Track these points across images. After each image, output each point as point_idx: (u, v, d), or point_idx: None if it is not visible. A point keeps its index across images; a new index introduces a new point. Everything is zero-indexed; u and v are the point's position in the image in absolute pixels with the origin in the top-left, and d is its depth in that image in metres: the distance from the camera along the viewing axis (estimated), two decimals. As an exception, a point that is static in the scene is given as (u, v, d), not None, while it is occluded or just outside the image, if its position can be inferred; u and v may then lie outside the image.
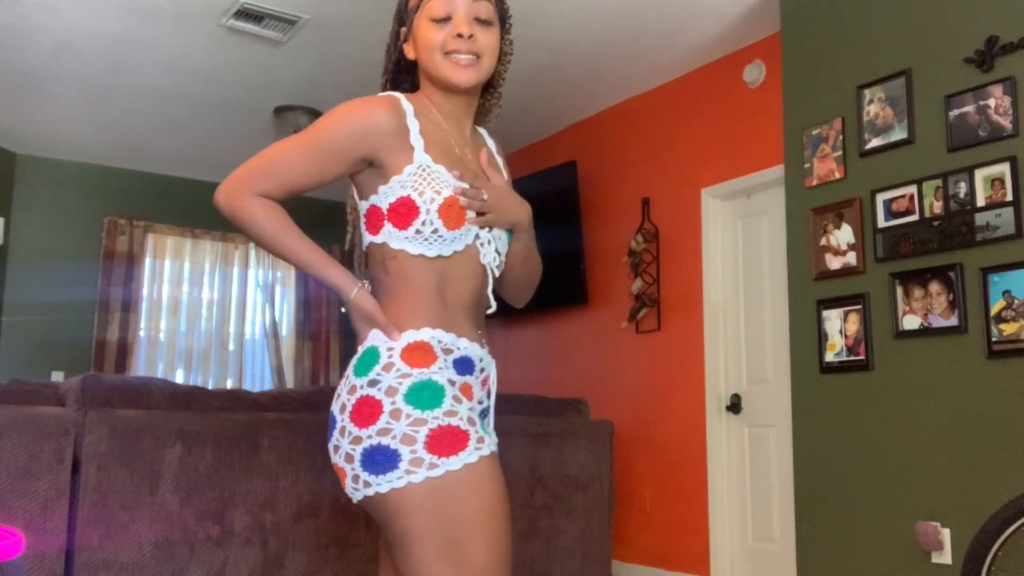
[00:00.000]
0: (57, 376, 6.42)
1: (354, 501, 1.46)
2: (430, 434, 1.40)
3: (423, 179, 1.50)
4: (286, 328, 7.39)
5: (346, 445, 1.43)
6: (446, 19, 1.56)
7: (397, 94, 1.58)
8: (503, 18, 1.65)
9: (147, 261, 6.86)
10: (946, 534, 3.14)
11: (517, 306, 1.82)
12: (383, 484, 1.39)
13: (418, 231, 1.49)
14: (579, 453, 3.80)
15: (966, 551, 2.50)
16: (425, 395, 1.43)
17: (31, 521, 2.46)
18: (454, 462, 1.40)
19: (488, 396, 1.62)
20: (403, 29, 1.64)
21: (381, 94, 1.59)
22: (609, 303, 5.54)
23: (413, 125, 1.55)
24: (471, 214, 1.53)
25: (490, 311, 1.62)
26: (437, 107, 1.61)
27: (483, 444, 1.44)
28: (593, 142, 5.85)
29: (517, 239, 1.66)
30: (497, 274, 1.61)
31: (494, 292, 1.66)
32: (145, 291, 6.82)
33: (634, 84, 5.35)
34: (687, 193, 5.06)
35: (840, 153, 3.64)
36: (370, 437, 1.40)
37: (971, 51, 3.24)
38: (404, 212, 1.49)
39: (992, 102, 3.14)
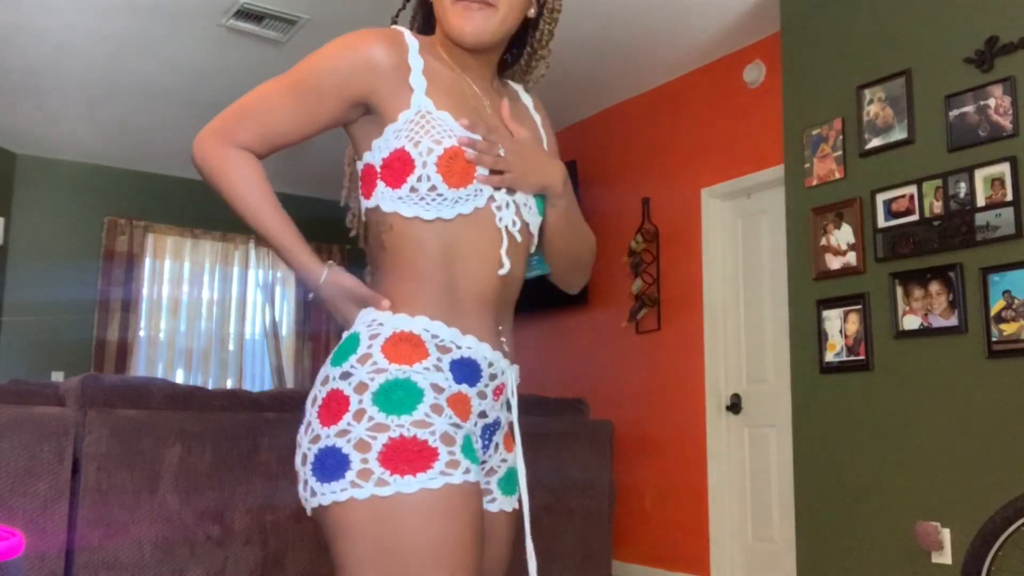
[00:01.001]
0: (57, 376, 6.42)
1: (308, 513, 1.21)
2: (388, 443, 1.14)
3: (421, 127, 1.24)
4: (286, 328, 7.39)
5: (305, 444, 1.20)
6: None
7: (401, 28, 1.33)
8: None
9: (147, 261, 6.86)
10: (946, 534, 3.14)
11: (570, 291, 1.53)
12: (326, 495, 1.15)
13: (412, 188, 1.23)
14: (579, 453, 3.80)
15: (966, 551, 2.50)
16: (396, 396, 1.18)
17: (31, 521, 2.46)
18: (409, 483, 1.13)
19: (502, 409, 1.33)
20: None
21: (382, 28, 1.33)
22: (609, 303, 5.54)
23: (416, 63, 1.28)
24: (482, 171, 1.25)
25: (502, 272, 1.28)
26: (449, 52, 1.34)
27: (455, 470, 1.16)
28: (593, 142, 5.85)
29: (551, 206, 1.36)
30: (519, 239, 1.31)
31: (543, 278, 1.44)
32: (145, 291, 6.82)
33: (634, 84, 5.35)
34: (687, 193, 5.06)
35: (840, 153, 3.64)
36: (327, 438, 1.17)
37: (971, 51, 3.24)
38: (398, 167, 1.24)
39: (992, 102, 3.14)
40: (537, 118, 1.47)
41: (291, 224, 1.33)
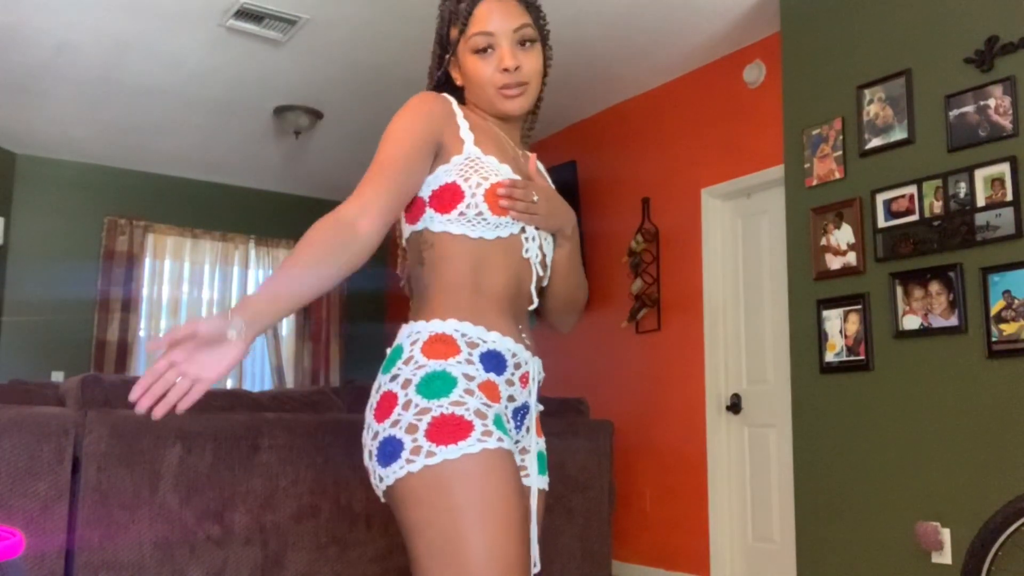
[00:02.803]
0: (57, 376, 6.42)
1: (382, 500, 1.44)
2: (432, 422, 1.37)
3: (471, 167, 1.50)
4: (286, 328, 7.39)
5: (369, 442, 1.43)
6: (490, 48, 1.55)
7: (445, 94, 1.59)
8: (544, 33, 1.63)
9: (147, 261, 6.86)
10: (946, 534, 3.14)
11: (563, 330, 1.80)
12: (390, 476, 1.37)
13: (462, 213, 1.48)
14: (579, 453, 3.80)
15: (966, 551, 2.50)
16: (436, 385, 1.41)
17: (31, 521, 2.46)
18: (452, 451, 1.35)
19: (530, 396, 1.57)
20: (447, 56, 1.63)
21: (430, 92, 1.59)
22: (609, 303, 5.54)
23: (463, 121, 1.56)
24: (519, 208, 1.52)
25: (532, 307, 1.59)
26: (486, 115, 1.63)
27: (489, 437, 1.38)
28: (593, 142, 5.85)
29: (559, 246, 1.63)
30: (541, 272, 1.59)
31: (538, 314, 1.68)
32: (145, 291, 6.82)
33: (634, 84, 5.35)
34: (687, 193, 5.06)
35: (840, 153, 3.65)
36: (384, 431, 1.39)
37: (971, 51, 3.24)
38: (448, 197, 1.49)
39: (992, 102, 3.14)
40: (543, 168, 1.74)
41: (275, 278, 1.36)
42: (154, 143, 6.35)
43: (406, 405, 1.39)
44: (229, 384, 7.04)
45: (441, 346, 1.45)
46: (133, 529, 2.61)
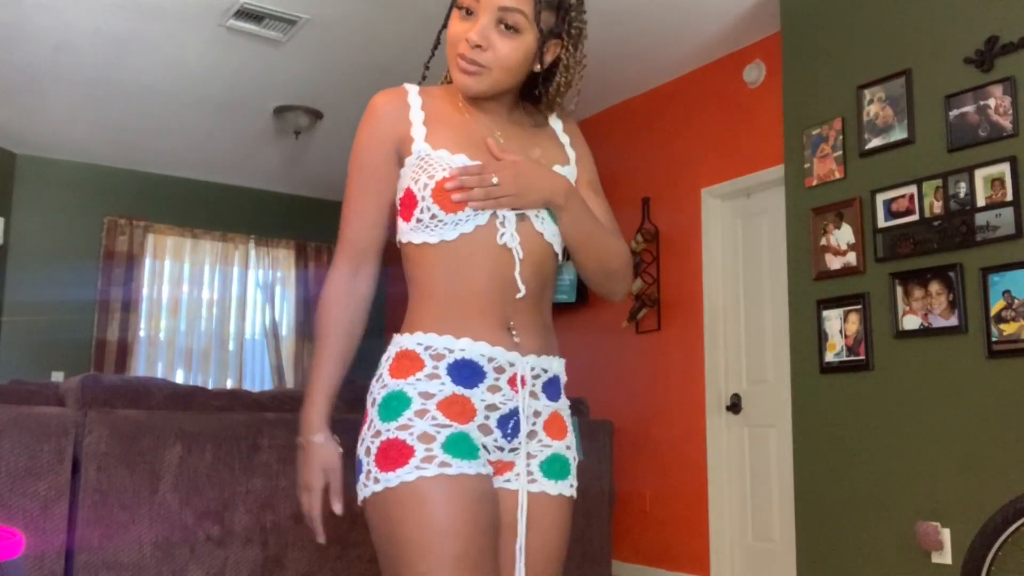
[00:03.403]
0: (57, 376, 6.42)
1: None
2: (380, 446, 1.34)
3: (420, 167, 1.42)
4: (286, 328, 7.39)
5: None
6: (470, 12, 1.42)
7: (408, 85, 1.51)
8: (565, 31, 1.50)
9: (147, 261, 6.86)
10: (946, 534, 3.14)
11: (612, 299, 1.63)
12: (359, 496, 1.38)
13: (418, 220, 1.41)
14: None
15: (966, 551, 2.50)
16: (392, 406, 1.37)
17: (31, 521, 2.46)
18: (391, 478, 1.31)
19: (524, 399, 1.43)
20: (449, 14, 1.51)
21: (388, 89, 1.51)
22: (609, 303, 5.54)
23: (417, 116, 1.46)
24: (476, 196, 1.40)
25: (519, 296, 1.42)
26: (473, 101, 1.50)
27: (430, 464, 1.31)
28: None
29: (558, 218, 1.47)
30: (521, 255, 1.43)
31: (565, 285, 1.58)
32: (145, 291, 6.82)
33: (634, 84, 5.35)
34: (687, 193, 5.06)
35: (840, 153, 3.64)
36: (358, 450, 1.40)
37: (971, 51, 3.24)
38: (407, 203, 1.43)
39: (992, 102, 3.14)
40: (565, 139, 1.59)
41: (328, 374, 1.49)
42: (154, 143, 6.35)
43: (369, 425, 1.38)
44: (229, 384, 7.05)
45: (405, 363, 1.40)
46: (133, 529, 2.61)
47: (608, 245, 1.54)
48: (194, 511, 2.73)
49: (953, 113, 3.26)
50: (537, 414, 1.45)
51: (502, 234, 1.42)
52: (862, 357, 3.46)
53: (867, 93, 3.57)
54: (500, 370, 1.41)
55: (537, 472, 1.45)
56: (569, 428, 1.51)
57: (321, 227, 7.53)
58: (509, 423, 1.41)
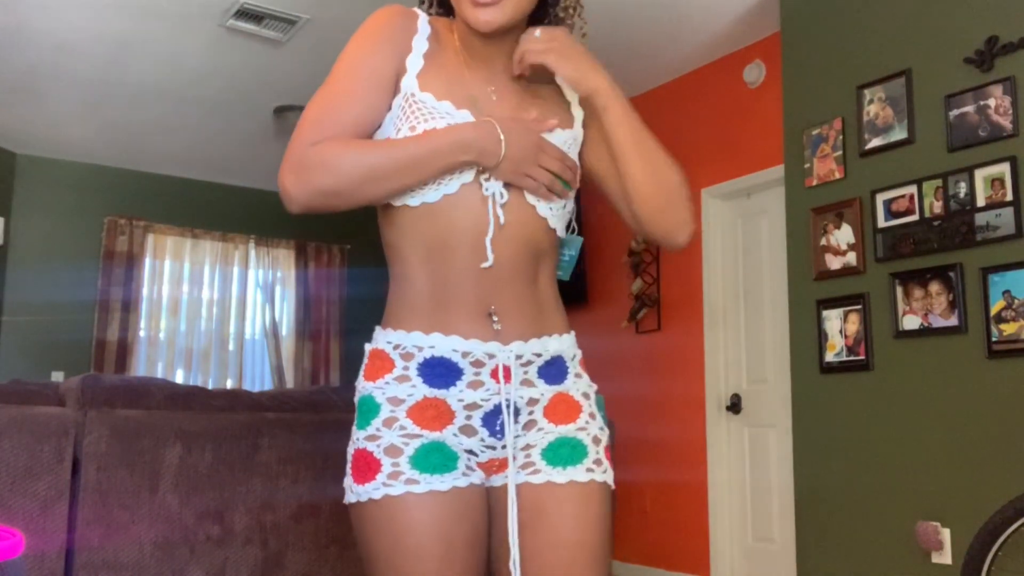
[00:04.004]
0: (57, 376, 6.42)
1: None
2: (353, 456, 1.26)
3: (403, 113, 1.26)
4: (286, 328, 7.39)
5: None
6: None
7: (419, 10, 1.36)
8: None
9: (147, 261, 6.86)
10: (946, 534, 3.14)
11: (675, 240, 1.37)
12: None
13: None
14: (579, 453, 3.80)
15: (966, 551, 2.50)
16: (363, 411, 1.27)
17: (31, 521, 2.46)
18: (362, 492, 1.23)
19: (516, 388, 1.28)
20: None
21: (401, 5, 1.34)
22: (609, 303, 5.54)
23: (419, 45, 1.30)
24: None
25: (484, 265, 1.26)
26: (462, 39, 1.35)
27: (396, 480, 1.20)
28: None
29: (603, 115, 1.33)
30: (502, 218, 1.27)
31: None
32: (145, 291, 6.82)
33: (634, 84, 5.35)
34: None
35: (840, 153, 3.64)
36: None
37: (971, 51, 3.24)
38: None
39: (992, 102, 3.14)
40: (574, 97, 1.44)
41: (407, 139, 1.26)
42: (154, 143, 6.35)
43: (352, 432, 1.29)
44: (229, 384, 7.05)
45: (377, 363, 1.28)
46: (133, 529, 2.61)
47: (663, 154, 1.36)
48: (194, 511, 2.73)
49: (953, 113, 3.26)
50: (533, 402, 1.31)
51: (487, 188, 1.26)
52: (862, 357, 3.46)
53: (867, 93, 3.57)
54: (479, 364, 1.27)
55: (539, 461, 1.29)
56: (584, 407, 1.33)
57: (321, 227, 7.53)
58: (497, 420, 1.28)
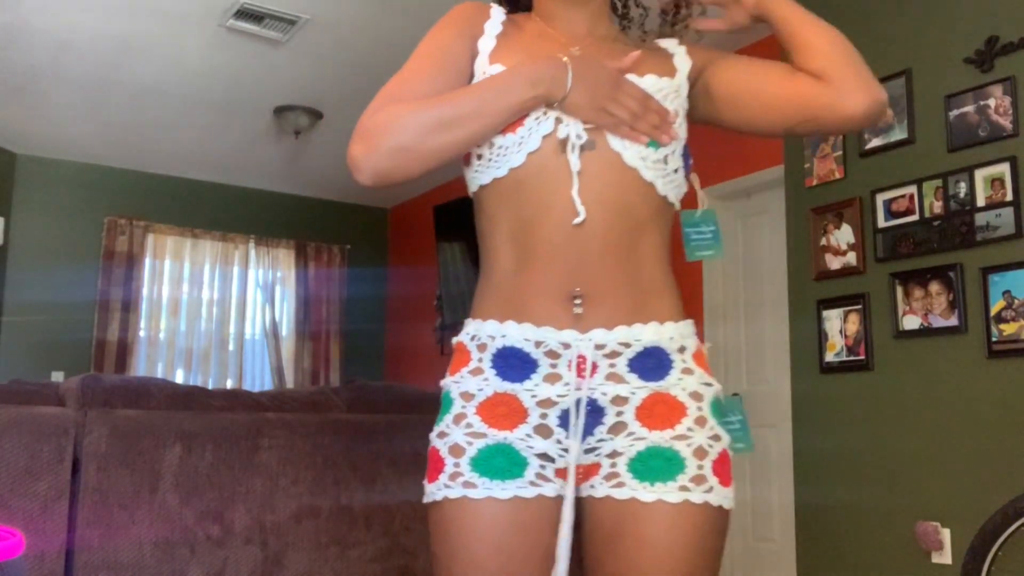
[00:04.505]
0: (57, 376, 6.42)
1: None
2: (429, 452, 1.19)
3: None
4: (286, 328, 7.39)
5: None
6: None
7: (491, 3, 1.34)
8: None
9: (147, 261, 6.86)
10: (946, 534, 3.14)
11: (867, 101, 1.20)
12: None
13: (478, 155, 1.19)
14: (579, 453, 3.80)
15: (966, 551, 2.50)
16: (442, 407, 1.20)
17: (31, 521, 2.46)
18: (429, 491, 1.17)
19: (592, 387, 1.14)
20: None
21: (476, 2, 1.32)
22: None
23: (492, 28, 1.27)
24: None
25: (576, 221, 1.14)
26: (542, 10, 1.31)
27: (455, 482, 1.12)
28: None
29: (773, 16, 1.30)
30: (578, 166, 1.15)
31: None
32: (145, 291, 6.82)
33: (634, 84, 5.35)
34: (687, 193, 5.06)
35: (840, 153, 3.64)
36: None
37: (971, 51, 3.24)
38: None
39: (992, 102, 3.14)
40: (679, 50, 1.34)
41: (474, 84, 1.22)
42: (154, 143, 6.35)
43: None
44: (229, 384, 7.05)
45: (457, 356, 1.22)
46: (133, 529, 2.61)
47: (833, 32, 1.30)
48: (194, 511, 2.73)
49: (953, 113, 3.26)
50: (621, 401, 1.15)
51: (565, 125, 1.16)
52: (862, 357, 3.46)
53: (867, 93, 3.57)
54: (554, 355, 1.14)
55: (625, 473, 1.13)
56: (690, 411, 1.15)
57: (321, 227, 7.53)
58: (565, 420, 1.15)
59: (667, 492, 1.11)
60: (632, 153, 1.18)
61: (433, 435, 1.19)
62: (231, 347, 7.11)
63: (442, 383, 1.21)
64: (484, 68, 1.23)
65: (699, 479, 1.12)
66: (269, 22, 4.50)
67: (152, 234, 6.91)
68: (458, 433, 1.15)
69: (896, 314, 3.37)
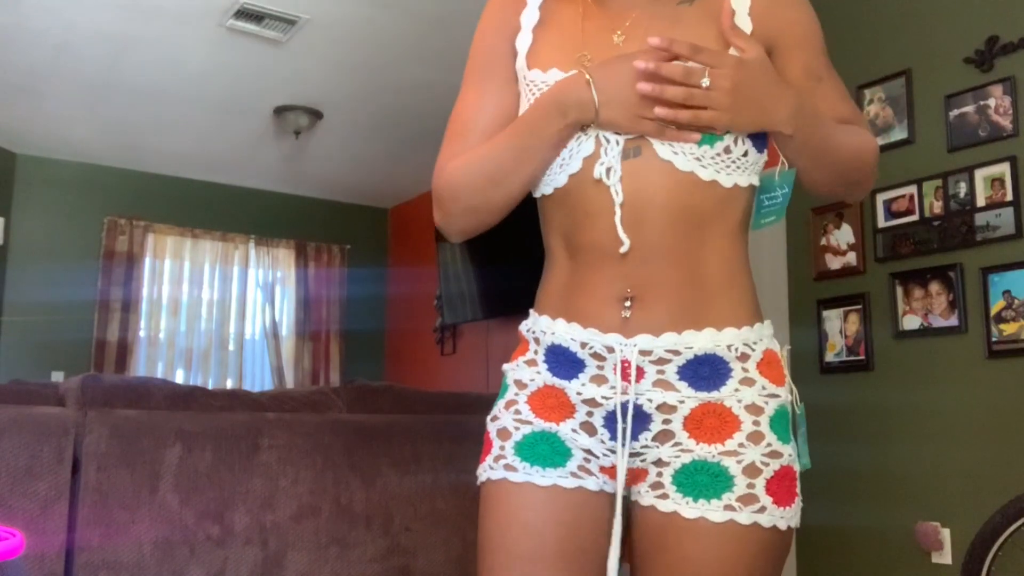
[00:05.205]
0: (57, 376, 6.42)
1: None
2: (484, 435, 1.21)
3: (523, 96, 1.18)
4: (286, 328, 7.39)
5: None
6: None
7: None
8: None
9: (147, 261, 6.86)
10: (946, 534, 3.14)
11: (850, 201, 1.25)
12: None
13: None
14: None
15: (966, 551, 2.50)
16: (501, 389, 1.22)
17: (31, 521, 2.46)
18: (479, 472, 1.19)
19: (640, 392, 1.09)
20: None
21: None
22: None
23: (529, 18, 1.19)
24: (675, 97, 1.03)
25: (623, 250, 1.07)
26: None
27: (498, 464, 1.14)
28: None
29: (784, 147, 1.11)
30: (620, 196, 1.07)
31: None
32: (145, 291, 6.82)
33: (634, 84, 5.35)
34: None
35: (840, 153, 3.64)
36: None
37: (971, 51, 3.24)
38: None
39: (992, 102, 3.14)
40: (744, 10, 1.14)
41: (510, 127, 1.16)
42: (154, 143, 6.36)
43: None
44: (229, 384, 7.05)
45: (518, 345, 1.22)
46: (133, 529, 2.61)
47: (847, 152, 1.16)
48: (194, 511, 2.72)
49: (953, 113, 3.26)
50: (669, 409, 1.09)
51: (601, 163, 1.08)
52: (862, 357, 3.46)
53: (867, 93, 3.57)
54: (599, 357, 1.10)
55: (669, 484, 1.08)
56: (745, 424, 1.08)
57: (321, 227, 7.53)
58: (612, 423, 1.11)
59: (711, 510, 1.06)
60: (684, 158, 1.07)
61: (488, 418, 1.20)
62: (231, 347, 7.11)
63: (504, 367, 1.22)
64: (524, 74, 1.17)
65: (749, 499, 1.07)
66: (269, 22, 4.50)
67: (152, 234, 6.91)
68: (507, 418, 1.16)
69: (896, 314, 3.37)
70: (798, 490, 1.13)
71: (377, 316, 7.62)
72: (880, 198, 3.47)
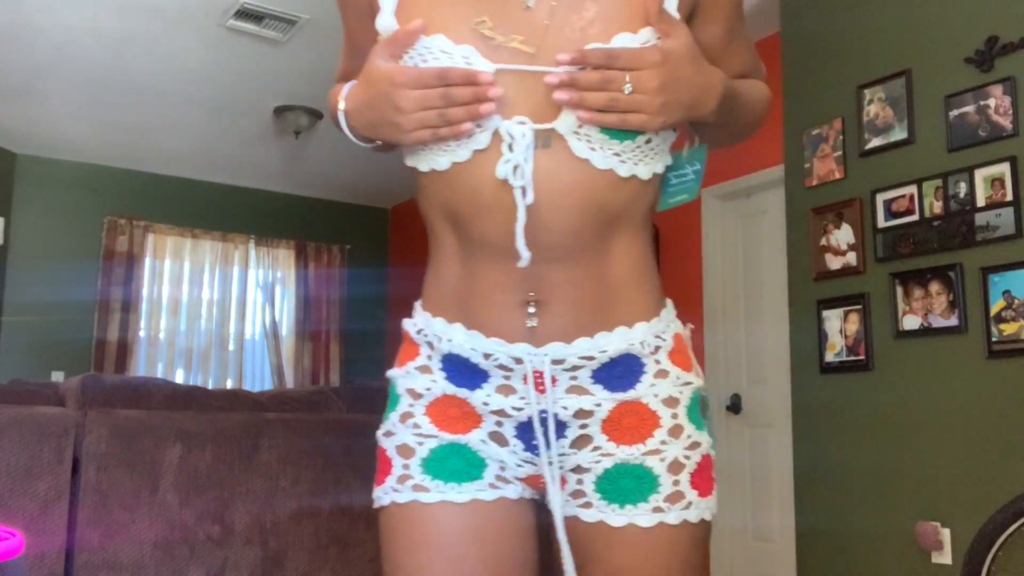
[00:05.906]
0: (57, 376, 6.42)
1: None
2: (377, 452, 1.08)
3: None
4: (286, 328, 7.39)
5: None
6: None
7: None
8: None
9: (147, 261, 6.86)
10: (946, 534, 3.14)
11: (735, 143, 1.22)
12: None
13: None
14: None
15: (966, 551, 2.50)
16: (389, 402, 1.08)
17: (31, 521, 2.46)
18: (376, 495, 1.06)
19: (553, 401, 1.00)
20: None
21: None
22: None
23: None
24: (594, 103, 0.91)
25: (521, 264, 0.94)
26: None
27: (403, 485, 1.01)
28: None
29: (700, 129, 1.06)
30: (529, 198, 0.91)
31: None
32: (145, 291, 6.82)
33: (634, 84, 5.35)
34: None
35: (840, 153, 3.64)
36: None
37: (971, 51, 3.24)
38: None
39: (992, 102, 3.14)
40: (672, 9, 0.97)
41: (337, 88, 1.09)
42: (154, 143, 6.36)
43: None
44: (229, 384, 7.05)
45: (405, 346, 1.07)
46: (133, 529, 2.61)
47: (752, 114, 1.13)
48: (194, 511, 2.73)
49: (953, 113, 3.26)
50: (585, 414, 1.01)
51: (506, 160, 0.91)
52: (862, 357, 3.46)
53: (867, 93, 3.57)
54: (505, 368, 1.00)
55: (592, 493, 1.01)
56: (664, 420, 1.01)
57: (321, 227, 7.53)
58: (527, 433, 1.03)
59: (639, 515, 0.99)
60: (603, 155, 0.94)
61: (380, 433, 1.07)
62: (231, 347, 7.11)
63: (389, 374, 1.07)
64: (387, 26, 0.97)
65: (675, 496, 1.00)
66: (269, 22, 4.50)
67: (152, 234, 6.91)
68: (406, 433, 1.03)
69: (896, 314, 3.37)
70: (714, 474, 1.05)
71: (377, 315, 7.62)
72: (880, 198, 3.47)
